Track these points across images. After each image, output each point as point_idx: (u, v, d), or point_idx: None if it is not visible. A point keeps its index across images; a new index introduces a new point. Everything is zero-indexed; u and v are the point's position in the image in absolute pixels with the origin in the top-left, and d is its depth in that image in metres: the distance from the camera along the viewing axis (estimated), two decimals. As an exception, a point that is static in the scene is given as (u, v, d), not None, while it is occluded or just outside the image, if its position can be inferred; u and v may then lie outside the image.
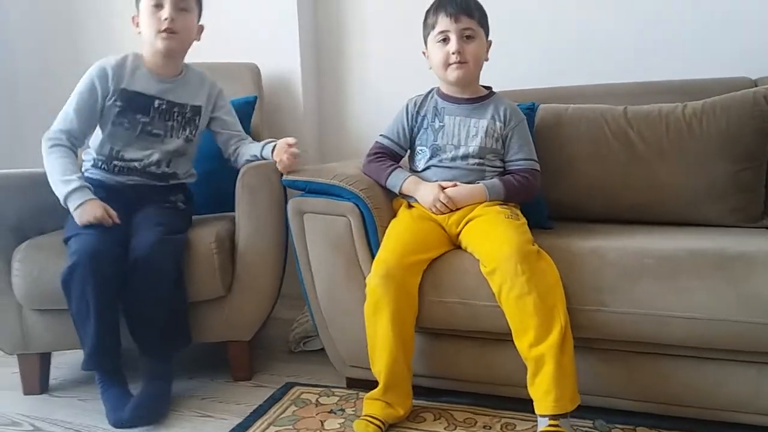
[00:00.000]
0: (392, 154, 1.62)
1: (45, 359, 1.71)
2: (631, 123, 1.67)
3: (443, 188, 1.48)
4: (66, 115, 1.61)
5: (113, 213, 1.52)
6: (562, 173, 1.71)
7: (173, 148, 1.70)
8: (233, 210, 1.81)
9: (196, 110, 1.73)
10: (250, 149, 1.72)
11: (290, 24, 2.23)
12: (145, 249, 1.48)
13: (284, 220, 1.67)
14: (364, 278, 1.46)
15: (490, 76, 1.64)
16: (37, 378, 1.69)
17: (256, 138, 1.93)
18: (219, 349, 1.74)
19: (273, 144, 1.65)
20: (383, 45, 2.29)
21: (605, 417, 1.37)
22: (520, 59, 2.06)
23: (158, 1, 1.60)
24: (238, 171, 1.72)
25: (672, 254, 1.28)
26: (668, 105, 1.67)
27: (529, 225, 1.46)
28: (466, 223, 1.46)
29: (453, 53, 1.49)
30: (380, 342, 1.37)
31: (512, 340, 1.30)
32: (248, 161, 1.69)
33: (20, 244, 1.62)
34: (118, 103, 1.63)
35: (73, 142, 1.61)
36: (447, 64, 1.51)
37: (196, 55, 2.20)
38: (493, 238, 1.35)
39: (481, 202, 1.47)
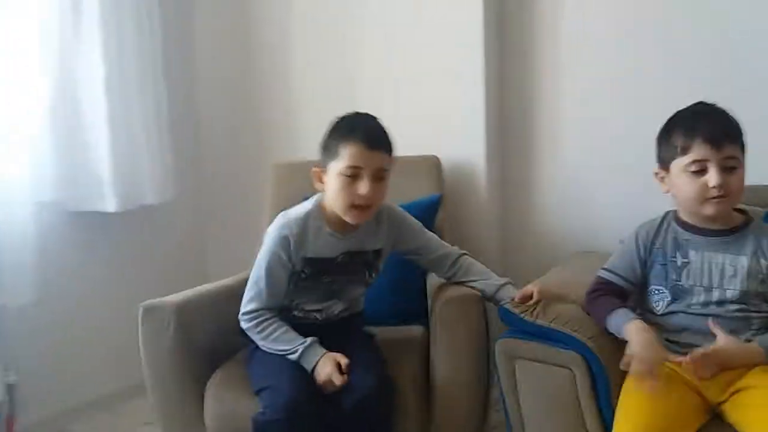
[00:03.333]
0: (619, 291, 1.37)
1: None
2: None
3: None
4: (258, 291, 1.51)
5: (344, 363, 1.40)
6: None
7: (356, 296, 1.61)
8: (417, 321, 1.74)
9: (377, 254, 1.59)
10: (483, 275, 1.56)
11: (476, 113, 2.07)
12: (372, 391, 1.37)
13: (485, 354, 1.50)
14: (591, 443, 1.23)
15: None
16: None
17: (440, 236, 1.77)
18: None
19: (509, 284, 1.50)
20: (578, 132, 2.07)
21: None
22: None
23: (355, 171, 1.42)
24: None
25: None
26: None
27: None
28: (734, 392, 1.17)
29: (714, 188, 1.22)
30: None
31: None
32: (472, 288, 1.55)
33: (213, 370, 1.58)
34: (305, 271, 1.52)
35: (274, 312, 1.52)
36: (705, 199, 1.24)
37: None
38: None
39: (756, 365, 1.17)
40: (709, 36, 1.86)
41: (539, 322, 1.33)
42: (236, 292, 1.58)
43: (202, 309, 1.65)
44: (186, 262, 2.62)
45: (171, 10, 2.48)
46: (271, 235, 1.52)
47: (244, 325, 1.53)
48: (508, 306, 1.40)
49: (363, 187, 1.41)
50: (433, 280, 1.71)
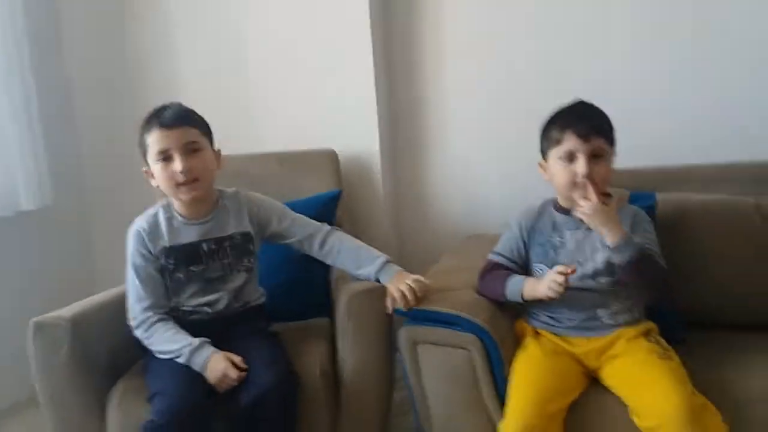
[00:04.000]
0: (507, 271, 1.49)
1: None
2: (765, 218, 1.52)
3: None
4: (136, 294, 1.53)
5: (237, 360, 1.41)
6: (690, 274, 1.56)
7: (240, 284, 1.60)
8: (323, 315, 1.76)
9: (247, 237, 1.60)
10: (357, 260, 1.58)
11: (369, 106, 2.13)
12: (269, 389, 1.37)
13: (390, 344, 1.56)
14: (489, 417, 1.35)
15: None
16: None
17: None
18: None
19: (393, 271, 1.53)
20: (463, 125, 2.19)
21: None
22: (628, 133, 1.92)
23: (165, 154, 1.48)
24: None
25: None
26: (809, 198, 1.52)
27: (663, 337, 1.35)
28: (609, 358, 1.33)
29: (581, 176, 1.35)
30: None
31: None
32: (354, 277, 1.59)
33: (112, 383, 1.53)
34: (170, 262, 1.54)
35: (160, 310, 1.53)
36: (573, 185, 1.38)
37: (271, 144, 2.14)
38: (652, 389, 1.21)
39: (619, 236, 1.31)
40: (583, 31, 2.02)
41: (438, 308, 1.41)
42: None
43: (99, 321, 1.58)
44: (71, 270, 2.48)
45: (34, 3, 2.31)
46: (128, 240, 1.57)
47: (138, 335, 1.51)
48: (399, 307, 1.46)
49: (177, 164, 1.47)
50: (335, 274, 1.74)
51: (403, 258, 2.19)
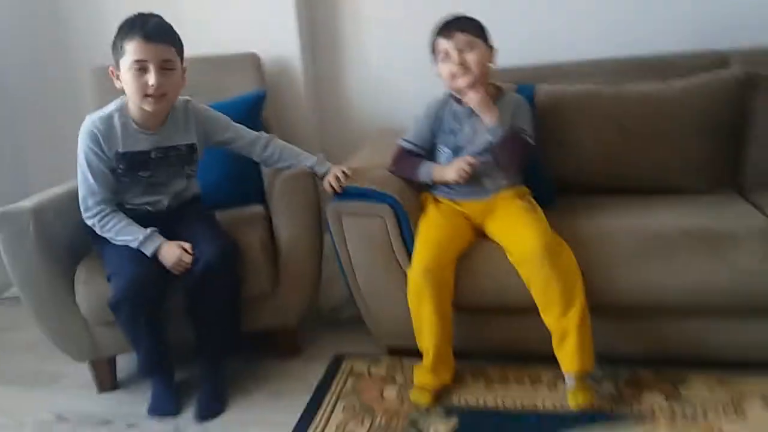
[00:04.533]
0: (415, 154, 1.80)
1: (112, 362, 1.89)
2: (621, 103, 1.88)
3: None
4: (88, 187, 1.66)
5: (188, 247, 1.65)
6: (563, 150, 1.92)
7: (179, 189, 1.80)
8: (257, 202, 2.02)
9: (191, 148, 1.76)
10: (297, 158, 1.82)
11: (288, 9, 2.28)
12: (214, 260, 1.63)
13: (318, 219, 1.86)
14: (401, 267, 1.69)
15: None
16: (108, 378, 1.88)
17: (266, 131, 2.03)
18: (258, 334, 1.90)
19: (327, 165, 1.78)
20: (378, 24, 2.39)
21: (613, 365, 1.67)
22: (511, 36, 2.19)
23: (142, 65, 1.57)
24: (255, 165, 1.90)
25: (668, 234, 1.57)
26: (653, 86, 1.88)
27: (538, 203, 1.71)
28: (490, 214, 1.69)
29: (455, 65, 1.66)
30: (425, 325, 1.61)
31: (536, 313, 1.57)
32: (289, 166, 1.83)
33: (77, 263, 1.77)
34: (120, 166, 1.68)
35: (111, 204, 1.69)
36: (453, 75, 1.67)
37: (195, 48, 2.27)
38: (519, 232, 1.58)
39: (494, 119, 1.66)
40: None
41: (357, 185, 1.71)
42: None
43: (57, 210, 1.78)
44: (6, 175, 2.60)
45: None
46: (81, 136, 1.66)
47: (89, 223, 1.69)
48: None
49: (151, 78, 1.57)
50: (268, 168, 1.96)
51: (326, 150, 2.41)
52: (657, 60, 2.01)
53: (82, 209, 1.69)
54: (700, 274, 1.52)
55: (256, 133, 1.85)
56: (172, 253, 1.64)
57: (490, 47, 1.72)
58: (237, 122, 1.86)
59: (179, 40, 1.66)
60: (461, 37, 1.67)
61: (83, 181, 1.68)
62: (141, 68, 1.58)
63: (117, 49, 1.61)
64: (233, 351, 1.83)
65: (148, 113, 1.66)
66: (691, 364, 1.65)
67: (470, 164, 1.66)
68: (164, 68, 1.60)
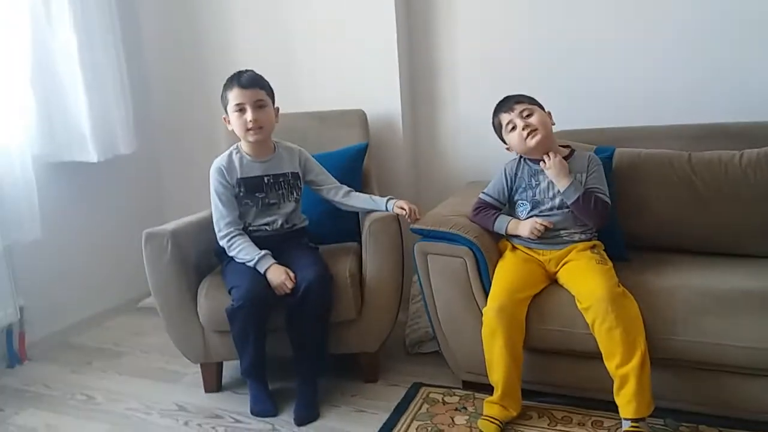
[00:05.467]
0: (493, 207, 2.00)
1: (220, 366, 2.19)
2: (694, 169, 1.99)
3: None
4: (220, 213, 2.03)
5: (291, 275, 1.94)
6: (637, 209, 2.04)
7: (289, 210, 2.12)
8: (352, 239, 2.29)
9: (296, 176, 2.13)
10: (366, 201, 2.13)
11: (391, 70, 2.57)
12: (313, 284, 1.91)
13: (401, 258, 2.11)
14: (478, 306, 1.87)
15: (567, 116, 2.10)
16: (215, 380, 2.18)
17: (365, 177, 2.38)
18: (346, 357, 2.15)
19: (393, 200, 2.08)
20: (471, 86, 2.63)
21: (674, 416, 1.76)
22: (594, 100, 2.38)
23: (241, 107, 1.98)
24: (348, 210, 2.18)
25: (728, 294, 1.66)
26: (727, 153, 1.98)
27: (609, 256, 1.85)
28: (563, 263, 1.85)
29: (523, 129, 1.88)
30: (496, 360, 1.78)
31: (601, 359, 1.69)
32: (369, 210, 2.12)
33: (200, 280, 2.09)
34: (242, 190, 2.05)
35: (238, 226, 2.05)
36: (524, 139, 1.89)
37: (310, 105, 2.62)
38: (589, 281, 1.73)
39: (566, 184, 1.85)
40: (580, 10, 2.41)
41: (441, 229, 1.93)
42: (211, 222, 2.08)
43: (190, 234, 2.13)
44: (148, 202, 3.08)
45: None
46: (211, 174, 2.07)
47: (221, 242, 2.03)
48: (413, 226, 1.99)
49: (249, 115, 1.98)
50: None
51: (419, 198, 2.68)
52: (732, 128, 2.10)
53: (216, 231, 2.05)
54: (759, 335, 1.59)
55: (338, 183, 2.19)
56: (278, 275, 1.94)
57: (548, 112, 1.94)
58: (341, 167, 2.23)
59: (269, 85, 2.06)
60: (519, 107, 1.91)
61: (215, 208, 2.05)
62: (240, 109, 1.99)
63: (223, 99, 2.05)
64: (325, 366, 2.06)
65: (254, 144, 2.05)
66: (753, 426, 1.70)
67: (544, 225, 1.85)
68: (258, 106, 2.00)
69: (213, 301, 2.02)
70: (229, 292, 1.96)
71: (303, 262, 2.00)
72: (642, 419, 1.64)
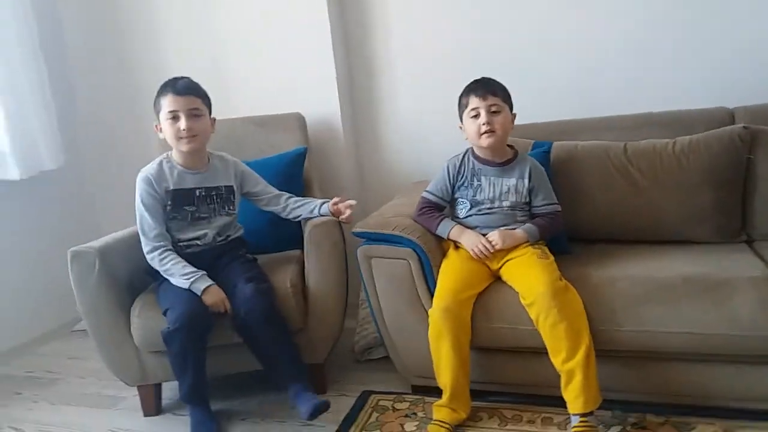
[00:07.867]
0: (437, 206, 1.96)
1: (158, 388, 2.08)
2: (630, 159, 2.01)
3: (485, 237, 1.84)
4: (147, 225, 1.92)
5: (226, 301, 1.87)
6: (577, 201, 2.04)
7: (222, 224, 2.02)
8: (293, 248, 2.21)
9: (230, 189, 2.04)
10: (304, 208, 2.07)
11: (328, 69, 2.52)
12: (251, 299, 1.83)
13: (344, 263, 2.06)
14: (424, 308, 1.84)
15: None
16: (153, 403, 2.07)
17: (307, 182, 2.33)
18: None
19: (326, 203, 2.02)
20: (411, 83, 2.61)
21: (622, 407, 1.75)
22: (528, 94, 2.35)
23: (174, 114, 1.89)
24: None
25: (669, 281, 1.66)
26: (661, 142, 2.01)
27: (552, 250, 1.84)
28: (506, 260, 1.82)
29: (484, 124, 1.83)
30: (444, 362, 1.74)
31: (548, 355, 1.67)
32: (307, 218, 2.06)
33: (134, 299, 1.98)
34: (169, 203, 1.95)
35: (167, 240, 1.94)
36: (480, 134, 1.85)
37: (244, 111, 2.54)
38: (531, 277, 1.71)
39: (524, 239, 1.82)
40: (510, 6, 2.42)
41: (385, 231, 1.88)
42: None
43: (119, 251, 2.02)
44: (81, 218, 2.93)
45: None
46: (137, 184, 1.94)
47: (149, 257, 1.91)
48: (355, 230, 1.94)
49: (182, 123, 1.88)
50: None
51: (365, 200, 2.62)
52: (666, 117, 2.14)
53: (143, 245, 1.93)
54: (700, 320, 1.60)
55: (279, 192, 2.13)
56: (216, 296, 1.86)
57: (513, 114, 1.90)
58: (281, 173, 2.17)
59: (206, 94, 1.97)
60: (493, 100, 1.84)
61: (142, 220, 1.93)
62: (174, 117, 1.89)
63: (156, 105, 1.94)
64: (302, 363, 1.94)
65: (186, 154, 1.95)
66: (700, 412, 1.71)
67: (487, 249, 1.81)
68: (193, 115, 1.90)
69: (148, 320, 1.92)
70: (164, 314, 1.86)
71: (240, 276, 1.92)
72: (590, 413, 1.63)
